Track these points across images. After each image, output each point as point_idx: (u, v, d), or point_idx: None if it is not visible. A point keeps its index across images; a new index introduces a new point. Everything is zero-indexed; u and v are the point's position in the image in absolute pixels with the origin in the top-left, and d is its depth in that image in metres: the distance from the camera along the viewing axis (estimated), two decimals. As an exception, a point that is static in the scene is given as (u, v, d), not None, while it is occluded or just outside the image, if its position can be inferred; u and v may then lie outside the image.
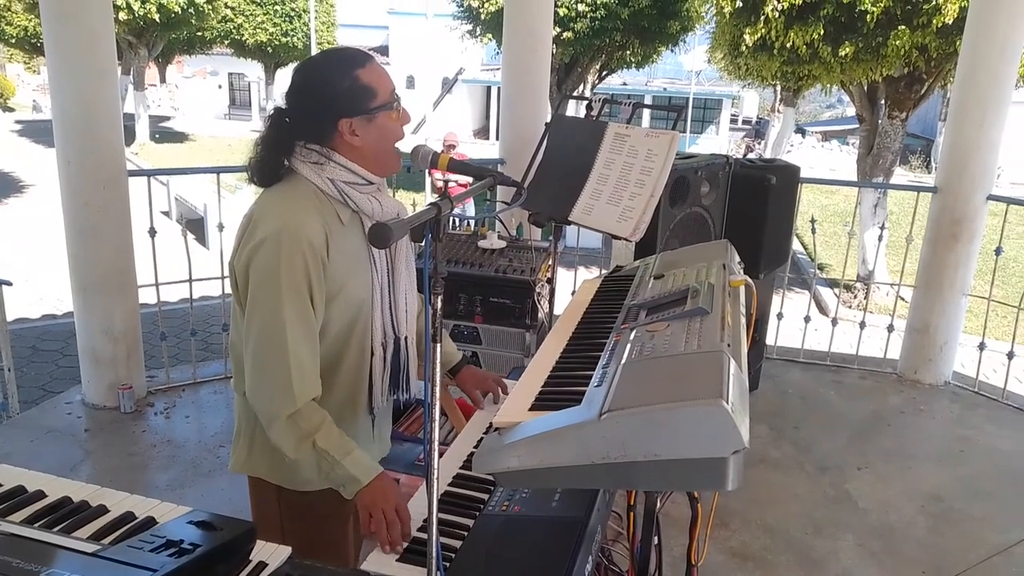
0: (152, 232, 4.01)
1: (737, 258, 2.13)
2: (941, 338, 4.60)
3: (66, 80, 3.59)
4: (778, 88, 18.81)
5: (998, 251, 4.46)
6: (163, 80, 29.17)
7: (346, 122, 1.60)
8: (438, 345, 1.31)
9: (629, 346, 1.56)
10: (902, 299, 8.85)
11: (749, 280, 1.89)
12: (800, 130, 29.57)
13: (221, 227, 4.23)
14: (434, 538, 1.37)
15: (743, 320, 1.75)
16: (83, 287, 3.87)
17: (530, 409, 1.46)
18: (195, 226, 11.20)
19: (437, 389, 1.33)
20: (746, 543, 3.15)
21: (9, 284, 4.04)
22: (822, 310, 9.23)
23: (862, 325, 4.88)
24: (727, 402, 1.24)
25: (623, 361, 1.49)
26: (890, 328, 4.88)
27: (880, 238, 5.15)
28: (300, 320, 1.59)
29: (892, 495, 3.56)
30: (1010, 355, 4.50)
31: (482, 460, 1.37)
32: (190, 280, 4.24)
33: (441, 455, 2.44)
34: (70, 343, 6.50)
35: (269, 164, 1.64)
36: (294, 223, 1.56)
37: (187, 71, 34.01)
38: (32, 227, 12.09)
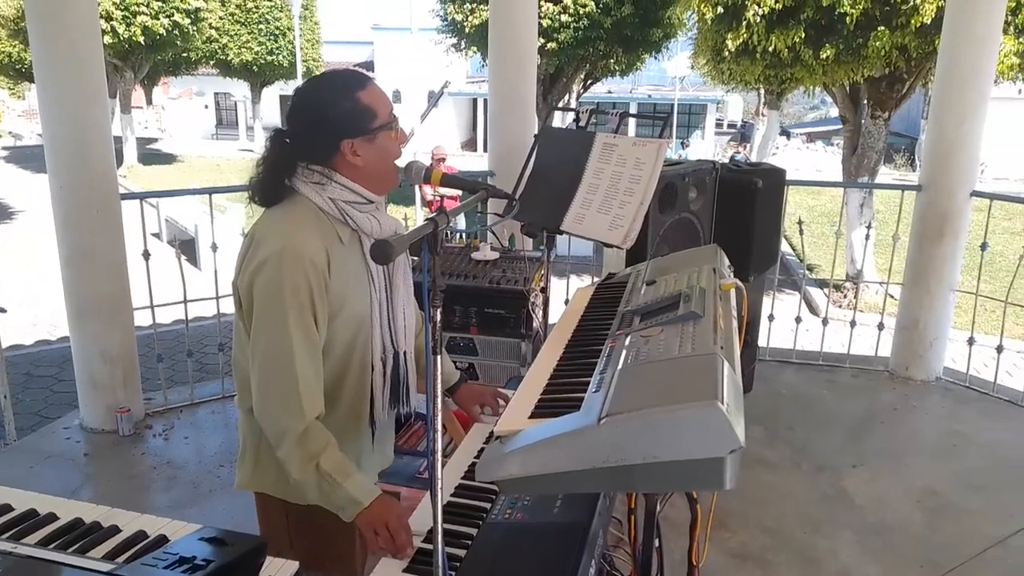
0: (146, 255, 4.02)
1: (727, 262, 2.17)
2: (931, 334, 4.65)
3: (56, 105, 3.61)
4: (762, 91, 18.94)
5: (983, 246, 4.52)
6: (149, 102, 29.17)
7: (348, 143, 1.64)
8: (438, 357, 1.34)
9: (624, 352, 1.60)
10: (891, 297, 8.93)
11: (739, 283, 1.93)
12: (785, 132, 29.77)
13: (215, 247, 4.25)
14: (440, 547, 1.40)
15: (735, 323, 1.78)
16: (78, 311, 3.88)
17: (530, 417, 1.49)
18: (186, 247, 11.20)
19: (439, 401, 1.36)
20: (745, 543, 3.18)
21: (3, 311, 4.05)
22: (812, 310, 9.29)
23: (853, 324, 4.93)
24: (722, 403, 1.28)
25: (619, 367, 1.52)
26: (880, 326, 4.93)
27: (867, 237, 5.19)
28: (305, 338, 1.62)
29: (888, 491, 3.59)
30: (999, 349, 4.55)
31: (485, 468, 1.40)
32: (185, 301, 4.26)
33: (442, 466, 2.47)
34: (65, 368, 6.50)
35: (270, 184, 1.67)
36: (296, 243, 1.59)
37: (173, 92, 34.01)
38: (23, 253, 12.06)
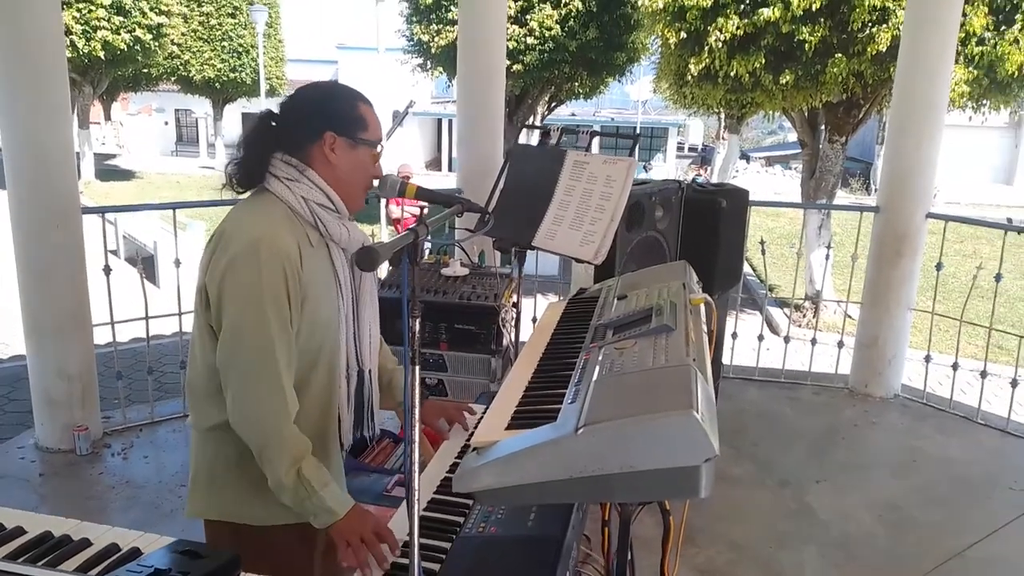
0: (107, 270, 3.95)
1: (696, 278, 2.21)
2: (889, 352, 4.76)
3: (18, 118, 3.55)
4: (722, 116, 19.32)
5: (939, 266, 4.65)
6: (108, 117, 28.68)
7: (331, 135, 1.64)
8: (416, 368, 1.34)
9: (599, 364, 1.61)
10: (849, 317, 9.12)
11: (708, 298, 1.96)
12: (744, 156, 30.34)
13: (178, 263, 4.20)
14: (416, 561, 1.39)
15: (705, 336, 1.81)
16: (36, 328, 3.79)
17: (507, 428, 1.49)
18: (145, 264, 11.01)
19: (417, 411, 1.36)
20: (712, 559, 3.20)
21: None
22: (772, 330, 9.44)
23: (813, 342, 5.02)
24: (697, 412, 1.30)
25: (594, 378, 1.54)
26: (840, 344, 5.03)
27: (827, 257, 5.31)
28: (284, 333, 1.59)
29: (851, 506, 3.65)
30: (955, 366, 4.67)
31: (461, 480, 1.40)
32: (147, 317, 4.18)
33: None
34: (16, 388, 6.31)
35: (247, 165, 1.66)
36: (269, 235, 1.57)
37: (132, 108, 33.52)
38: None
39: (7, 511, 1.25)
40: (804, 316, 9.71)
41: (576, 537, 1.76)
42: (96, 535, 1.19)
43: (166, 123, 34.19)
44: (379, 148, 1.73)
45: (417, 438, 1.37)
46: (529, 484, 1.36)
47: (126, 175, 24.29)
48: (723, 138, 23.19)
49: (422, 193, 1.77)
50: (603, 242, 2.31)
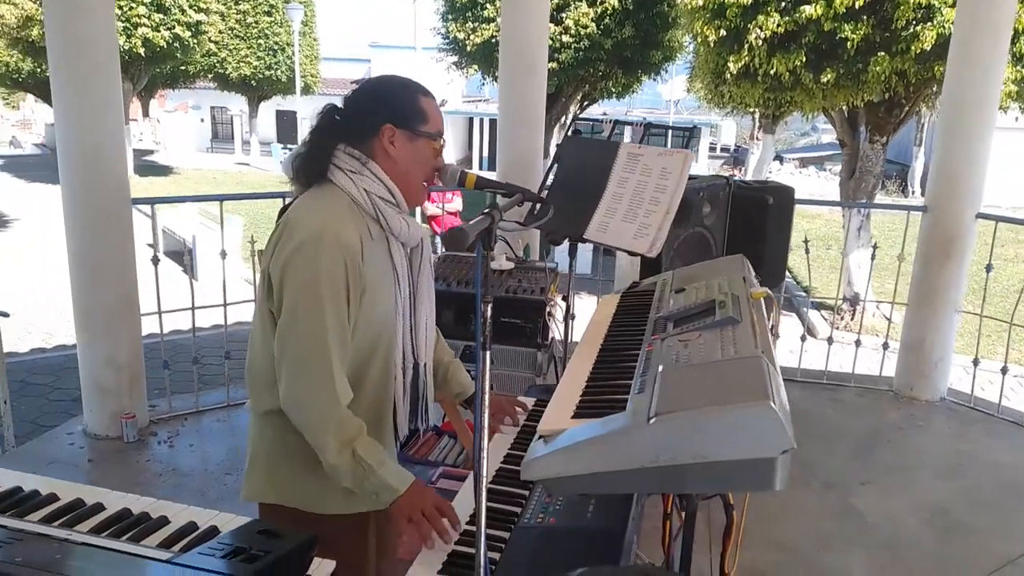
0: (155, 260, 4.01)
1: (753, 272, 2.18)
2: (936, 354, 4.67)
3: (72, 111, 3.62)
4: (757, 116, 19.13)
5: (988, 268, 4.55)
6: (146, 114, 29.12)
7: (390, 128, 1.65)
8: (487, 353, 1.34)
9: (664, 355, 1.60)
10: (885, 318, 8.96)
11: (769, 292, 1.94)
12: (778, 157, 30.01)
13: (224, 254, 4.24)
14: (482, 548, 1.39)
15: (768, 330, 1.79)
16: (86, 317, 3.86)
17: (573, 417, 1.49)
18: (182, 258, 11.15)
19: (487, 397, 1.36)
20: (756, 559, 3.16)
21: (7, 315, 4.02)
22: (810, 332, 9.32)
23: (858, 343, 4.95)
24: (774, 403, 1.28)
25: (661, 369, 1.52)
26: (885, 346, 4.95)
27: (872, 257, 5.21)
28: (339, 325, 1.60)
29: (897, 509, 3.59)
30: (1003, 370, 4.58)
31: (530, 467, 1.39)
32: (192, 308, 4.23)
33: (457, 477, 2.46)
34: (61, 377, 6.44)
35: (311, 158, 1.67)
36: (333, 226, 1.58)
37: (169, 105, 33.99)
38: (17, 261, 11.97)
39: (86, 487, 1.27)
40: (842, 318, 9.58)
41: (636, 530, 1.75)
42: (173, 513, 1.20)
43: (202, 120, 34.60)
44: (440, 141, 1.73)
45: (486, 425, 1.37)
46: (597, 473, 1.35)
47: (164, 171, 24.63)
48: (757, 138, 22.95)
49: (482, 182, 1.77)
50: (658, 234, 2.30)
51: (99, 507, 1.21)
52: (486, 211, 1.27)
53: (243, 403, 4.65)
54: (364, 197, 1.64)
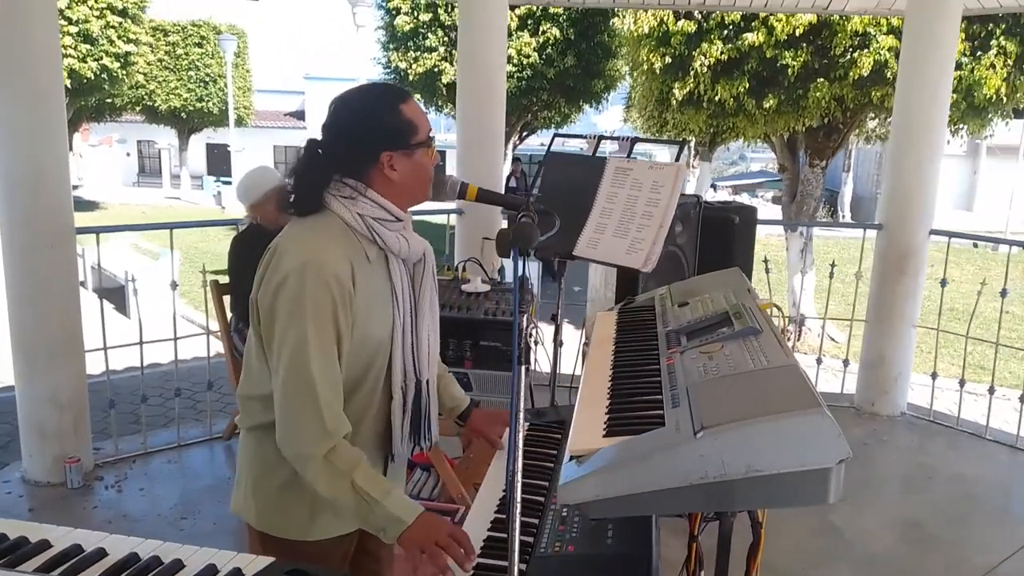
0: (100, 293, 3.78)
1: (751, 285, 2.15)
2: (895, 370, 4.75)
3: (14, 137, 3.40)
4: (693, 144, 19.55)
5: (943, 283, 4.67)
6: (69, 149, 28.14)
7: (387, 155, 1.58)
8: (523, 368, 1.24)
9: (689, 368, 1.53)
10: (831, 338, 9.16)
11: (776, 304, 1.91)
12: (712, 185, 30.77)
13: (174, 285, 4.04)
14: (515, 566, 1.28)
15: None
16: (27, 353, 3.60)
17: (605, 436, 1.40)
18: (114, 295, 10.67)
19: (520, 415, 1.26)
20: (745, 581, 3.10)
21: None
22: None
23: (819, 361, 5.00)
24: (827, 411, 1.22)
25: (691, 382, 1.46)
26: (845, 363, 5.01)
27: (831, 276, 5.28)
28: (326, 356, 1.53)
29: (872, 524, 3.59)
30: (961, 383, 4.67)
31: (567, 491, 1.30)
32: (140, 343, 4.01)
33: (436, 511, 2.33)
34: (-6, 419, 6.03)
35: (302, 195, 1.60)
36: (319, 256, 1.52)
37: (93, 139, 32.89)
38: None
39: (83, 533, 1.13)
40: (788, 338, 9.75)
41: (659, 554, 1.66)
42: (187, 556, 1.06)
43: (128, 154, 33.61)
44: (432, 142, 1.66)
45: (520, 443, 1.27)
46: (641, 494, 1.27)
47: (90, 206, 23.70)
48: (693, 166, 23.45)
49: (484, 195, 1.70)
50: (652, 249, 2.24)
51: (101, 552, 1.06)
52: (521, 213, 1.19)
53: (193, 443, 4.39)
54: (358, 221, 1.57)
